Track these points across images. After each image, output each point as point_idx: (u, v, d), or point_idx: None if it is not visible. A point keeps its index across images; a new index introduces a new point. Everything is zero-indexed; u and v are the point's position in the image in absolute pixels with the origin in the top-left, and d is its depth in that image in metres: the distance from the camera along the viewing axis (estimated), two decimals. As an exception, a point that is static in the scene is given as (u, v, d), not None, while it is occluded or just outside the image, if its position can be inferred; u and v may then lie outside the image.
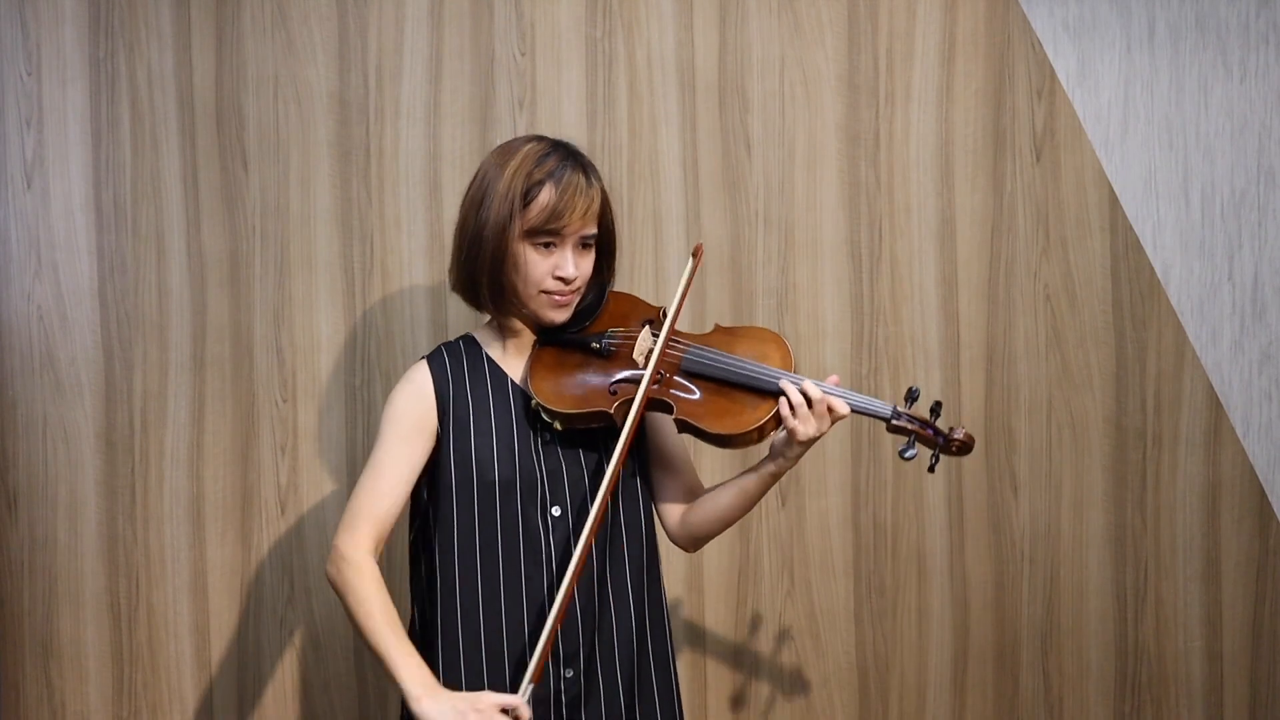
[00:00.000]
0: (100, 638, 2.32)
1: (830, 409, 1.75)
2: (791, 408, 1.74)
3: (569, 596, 1.69)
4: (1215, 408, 2.52)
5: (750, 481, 1.84)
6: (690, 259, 1.87)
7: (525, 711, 1.64)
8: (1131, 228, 2.50)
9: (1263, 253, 2.53)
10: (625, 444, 1.73)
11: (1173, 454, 2.52)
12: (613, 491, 1.75)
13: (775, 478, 1.82)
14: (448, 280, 1.89)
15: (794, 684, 2.47)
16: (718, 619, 2.45)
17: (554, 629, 1.68)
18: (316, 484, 2.35)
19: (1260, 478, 2.53)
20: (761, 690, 2.47)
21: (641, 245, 2.40)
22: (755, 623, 2.46)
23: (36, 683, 2.31)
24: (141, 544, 2.32)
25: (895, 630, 2.48)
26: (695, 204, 2.41)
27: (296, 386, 2.35)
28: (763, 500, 2.43)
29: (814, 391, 1.74)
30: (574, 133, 2.37)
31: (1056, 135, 2.48)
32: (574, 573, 1.68)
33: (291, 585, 2.35)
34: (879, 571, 2.48)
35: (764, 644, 2.46)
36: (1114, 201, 2.50)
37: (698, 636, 2.45)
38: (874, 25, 2.44)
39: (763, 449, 1.84)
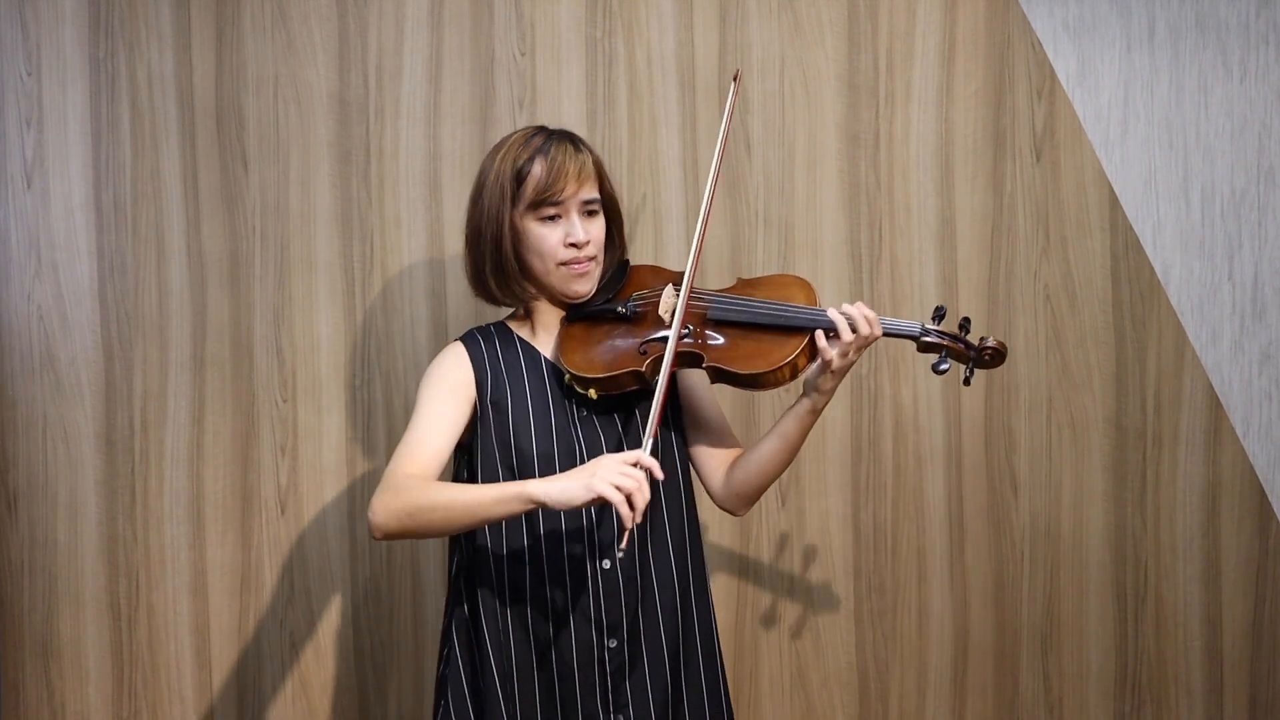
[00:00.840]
0: (100, 638, 2.32)
1: (870, 323, 1.76)
2: (836, 336, 1.76)
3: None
4: (1215, 408, 2.52)
5: (790, 425, 1.84)
6: (732, 85, 1.92)
7: (649, 460, 1.64)
8: (1131, 228, 2.50)
9: (1263, 253, 2.53)
10: (663, 393, 1.73)
11: (1173, 454, 2.52)
12: (657, 432, 1.75)
13: (814, 414, 1.82)
14: (467, 277, 1.89)
15: (794, 684, 2.47)
16: (718, 619, 2.44)
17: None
18: (316, 484, 2.35)
19: (1260, 478, 2.53)
20: (762, 690, 2.47)
21: (641, 245, 2.40)
22: (755, 622, 2.46)
23: (36, 683, 2.31)
24: (141, 544, 2.32)
25: (895, 630, 2.48)
26: (695, 204, 2.41)
27: (296, 386, 2.35)
28: (763, 500, 2.44)
29: (854, 313, 1.76)
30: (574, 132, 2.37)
31: (1056, 135, 2.48)
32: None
33: (291, 585, 2.35)
34: (879, 571, 2.48)
35: (764, 643, 2.46)
36: (1114, 201, 2.50)
37: (698, 636, 2.45)
38: (874, 25, 2.44)
39: (794, 393, 1.85)
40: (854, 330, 1.75)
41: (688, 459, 1.94)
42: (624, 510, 1.59)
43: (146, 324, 2.31)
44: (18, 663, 2.31)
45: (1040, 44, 2.48)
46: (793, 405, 1.84)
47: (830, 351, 1.75)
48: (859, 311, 1.76)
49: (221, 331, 2.33)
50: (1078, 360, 2.50)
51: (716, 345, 1.81)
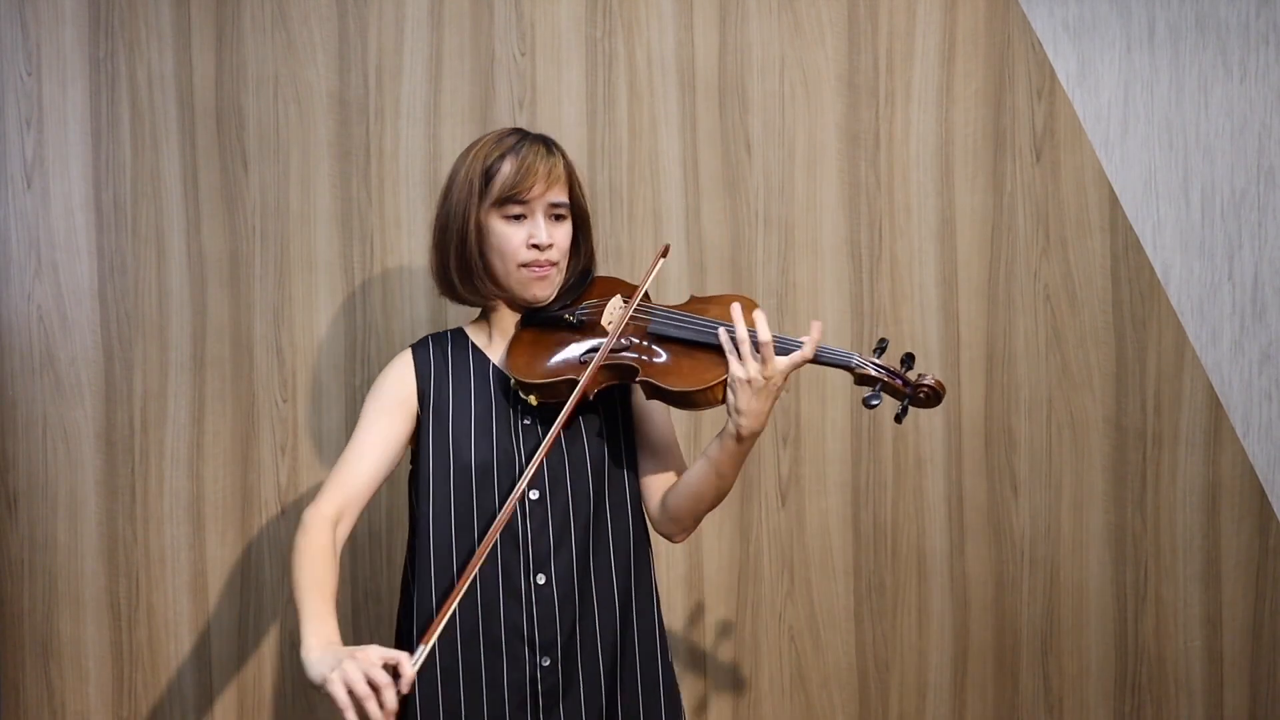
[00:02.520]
0: (100, 638, 2.32)
1: (764, 348, 1.67)
2: (736, 347, 1.69)
3: (487, 546, 1.65)
4: (1215, 408, 2.52)
5: (715, 449, 1.76)
6: (659, 258, 1.89)
7: (408, 668, 1.50)
8: (1131, 228, 2.50)
9: (1263, 253, 2.53)
10: (574, 398, 1.71)
11: (1173, 454, 2.52)
12: (565, 427, 1.72)
13: (738, 440, 1.71)
14: (430, 271, 1.88)
15: (794, 684, 2.47)
16: (718, 619, 2.45)
17: (461, 586, 1.62)
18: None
19: (1260, 478, 2.53)
20: (761, 690, 2.47)
21: (641, 245, 2.40)
22: (755, 623, 2.46)
23: (36, 683, 2.31)
24: (141, 544, 2.32)
25: (895, 630, 2.48)
26: (695, 204, 2.41)
27: (296, 386, 2.35)
28: (763, 500, 2.44)
29: (762, 333, 1.68)
30: (574, 133, 2.37)
31: (1056, 135, 2.48)
32: (501, 519, 1.67)
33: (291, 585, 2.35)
34: (879, 571, 2.48)
35: (764, 644, 2.46)
36: (1114, 201, 2.50)
37: (698, 636, 2.45)
38: (874, 25, 2.44)
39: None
40: (752, 352, 1.68)
41: (637, 480, 1.89)
42: (349, 717, 1.46)
43: (146, 324, 2.31)
44: (18, 663, 2.31)
45: (1040, 44, 2.48)
46: (720, 431, 1.77)
47: (734, 364, 1.68)
48: (766, 335, 1.67)
49: (221, 331, 2.33)
50: (1078, 360, 2.50)
51: (652, 361, 1.77)
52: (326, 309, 2.35)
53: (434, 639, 1.56)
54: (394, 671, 1.49)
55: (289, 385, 2.35)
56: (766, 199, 2.43)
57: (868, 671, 2.48)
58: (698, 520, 1.85)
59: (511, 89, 2.37)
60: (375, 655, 1.48)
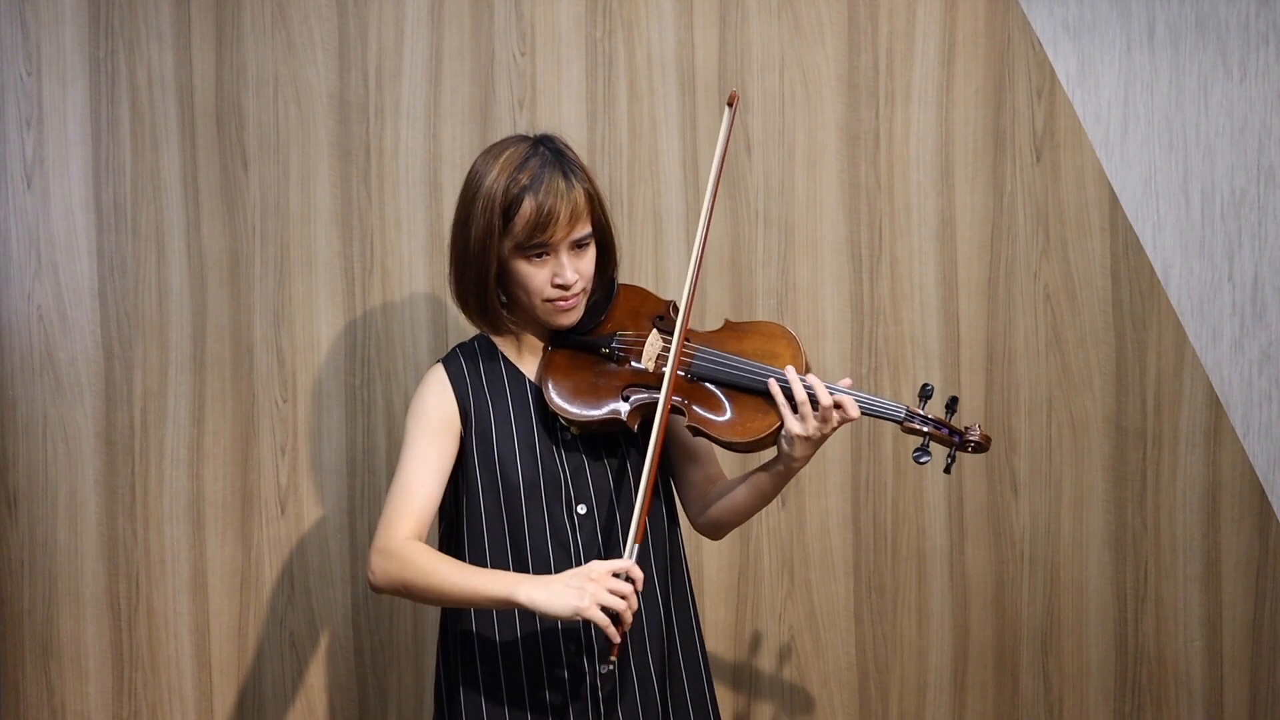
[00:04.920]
0: (100, 638, 2.32)
1: (839, 405, 1.72)
2: (794, 406, 1.72)
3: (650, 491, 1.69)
4: (1215, 408, 2.52)
5: (764, 480, 1.81)
6: (726, 109, 1.86)
7: (637, 571, 1.62)
8: (1131, 228, 2.50)
9: (1263, 253, 2.53)
10: (653, 464, 1.70)
11: (1173, 454, 2.52)
12: (649, 503, 1.72)
13: (787, 477, 1.80)
14: (450, 293, 1.88)
15: (794, 684, 2.47)
16: (718, 619, 2.45)
17: (647, 495, 1.67)
18: (316, 484, 2.35)
19: (1260, 478, 2.53)
20: (762, 690, 2.47)
21: (641, 245, 2.40)
22: (755, 623, 2.46)
23: (36, 683, 2.31)
24: (141, 544, 2.32)
25: (895, 630, 2.48)
26: (695, 204, 2.41)
27: (296, 386, 2.35)
28: (763, 500, 2.44)
29: (822, 395, 1.72)
30: (574, 133, 2.37)
31: (1056, 135, 2.48)
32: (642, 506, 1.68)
33: (291, 585, 2.35)
34: (879, 571, 2.48)
35: (764, 644, 2.46)
36: (1114, 201, 2.50)
37: (698, 636, 2.45)
38: (874, 25, 2.44)
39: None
40: (813, 409, 1.72)
41: (670, 480, 1.92)
42: (611, 632, 1.60)
43: (146, 324, 2.31)
44: (18, 663, 2.31)
45: (1040, 44, 2.48)
46: (768, 462, 1.81)
47: (792, 419, 1.72)
48: (827, 397, 1.71)
49: (221, 331, 2.33)
50: (1078, 360, 2.50)
51: (698, 408, 1.77)
52: (326, 309, 2.35)
53: (642, 533, 1.66)
54: (625, 577, 1.61)
55: (289, 385, 2.35)
56: (766, 199, 2.43)
57: (868, 671, 2.48)
58: (736, 527, 1.93)
59: (511, 89, 2.37)
60: (605, 568, 1.61)
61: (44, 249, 2.30)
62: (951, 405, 1.80)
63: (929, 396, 1.77)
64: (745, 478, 1.84)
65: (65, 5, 2.29)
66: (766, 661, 2.46)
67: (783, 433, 1.74)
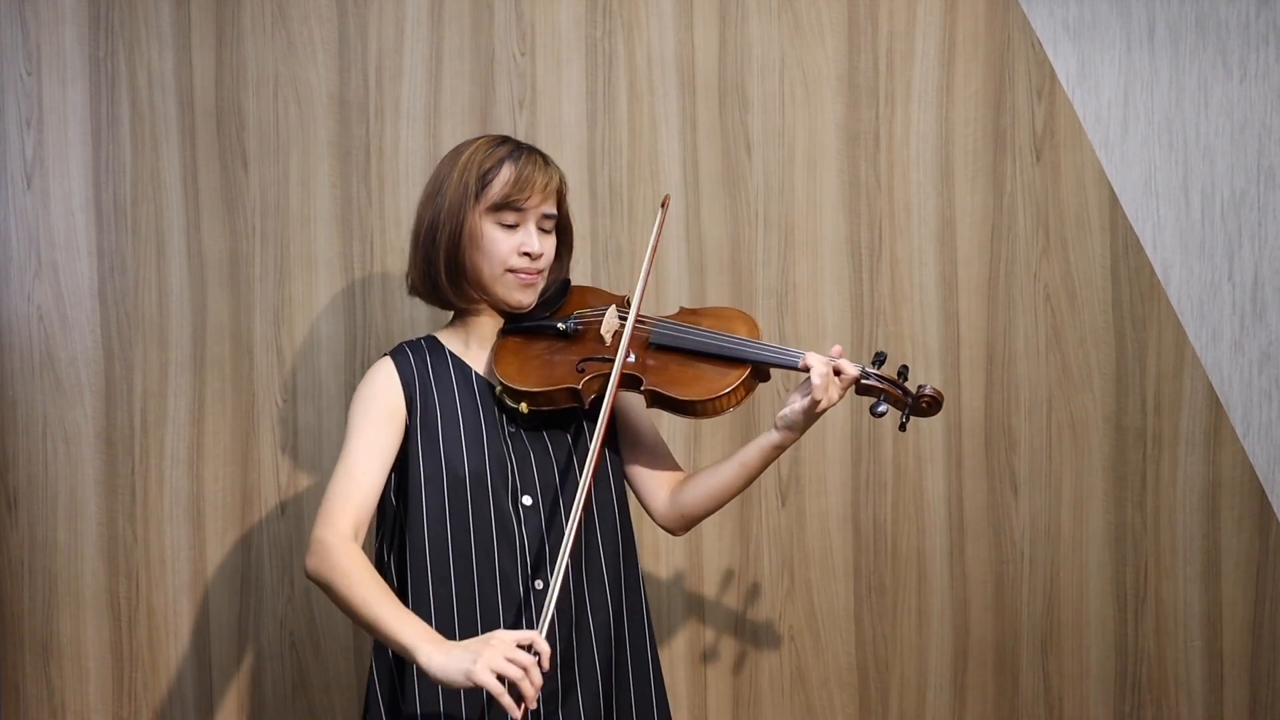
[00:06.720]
0: (100, 638, 2.32)
1: (839, 371, 1.76)
2: (821, 377, 1.74)
3: (564, 561, 1.63)
4: (1215, 408, 2.52)
5: (752, 455, 1.81)
6: (659, 210, 1.89)
7: (543, 645, 1.55)
8: (1131, 228, 2.50)
9: (1263, 253, 2.53)
10: (605, 420, 1.71)
11: (1173, 454, 2.52)
12: (596, 471, 1.72)
13: (779, 450, 1.80)
14: (406, 278, 1.87)
15: (794, 684, 2.47)
16: (718, 619, 2.45)
17: (560, 579, 1.61)
18: (317, 484, 2.35)
19: (1260, 478, 2.53)
20: (761, 690, 2.47)
21: (641, 246, 2.40)
22: (755, 623, 2.46)
23: (36, 683, 2.31)
24: (141, 544, 2.32)
25: (895, 630, 2.48)
26: (695, 204, 2.41)
27: (296, 386, 2.35)
28: (762, 499, 2.44)
29: (850, 369, 1.76)
30: (574, 133, 2.37)
31: (1056, 135, 2.48)
32: (568, 547, 1.64)
33: (291, 585, 2.35)
34: (879, 571, 2.48)
35: (764, 644, 2.46)
36: (1114, 201, 2.50)
37: (697, 636, 2.45)
38: (874, 25, 2.44)
39: (746, 423, 1.84)
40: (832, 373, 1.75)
41: (623, 479, 1.91)
42: (505, 702, 1.50)
43: (146, 324, 2.31)
44: (18, 663, 2.31)
45: (1040, 44, 2.48)
46: (759, 438, 1.81)
47: (821, 393, 1.73)
48: (850, 370, 1.76)
49: (221, 331, 2.33)
50: (1078, 360, 2.50)
51: (656, 369, 1.79)
52: (326, 309, 2.35)
53: (552, 609, 1.59)
54: (529, 649, 1.54)
55: (289, 385, 2.35)
56: (766, 199, 2.43)
57: (868, 671, 2.48)
58: (708, 516, 1.90)
59: (511, 89, 2.37)
60: (509, 638, 1.54)
61: (44, 249, 2.30)
62: (903, 372, 1.81)
63: (883, 361, 1.81)
64: (727, 459, 1.85)
65: (65, 5, 2.29)
66: (766, 662, 2.47)
67: (786, 409, 1.77)
